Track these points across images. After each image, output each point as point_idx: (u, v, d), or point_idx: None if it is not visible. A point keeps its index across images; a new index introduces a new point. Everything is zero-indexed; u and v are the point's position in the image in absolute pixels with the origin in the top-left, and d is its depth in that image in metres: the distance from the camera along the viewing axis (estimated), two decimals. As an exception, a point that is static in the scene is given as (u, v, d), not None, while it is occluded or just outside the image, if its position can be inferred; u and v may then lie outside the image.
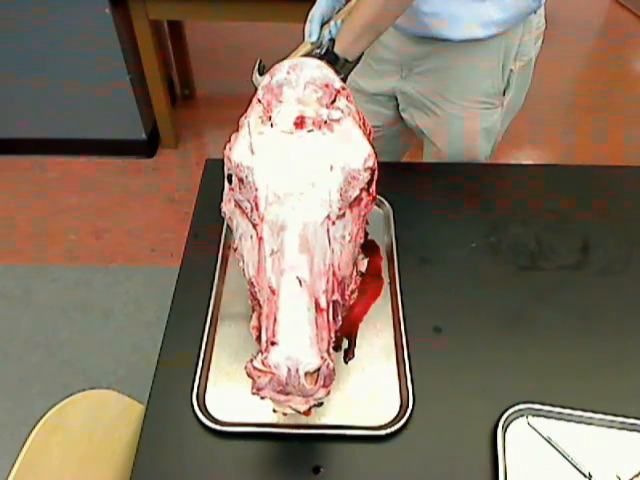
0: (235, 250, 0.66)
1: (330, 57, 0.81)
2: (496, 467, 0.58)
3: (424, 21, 0.90)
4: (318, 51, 0.85)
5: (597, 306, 0.77)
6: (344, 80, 0.83)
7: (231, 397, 0.64)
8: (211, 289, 0.75)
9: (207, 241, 0.83)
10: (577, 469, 0.59)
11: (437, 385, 0.66)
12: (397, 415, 0.63)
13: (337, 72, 0.81)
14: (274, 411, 0.62)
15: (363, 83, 1.12)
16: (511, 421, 0.62)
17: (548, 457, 0.60)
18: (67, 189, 2.13)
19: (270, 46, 2.82)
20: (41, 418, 0.57)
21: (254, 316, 0.63)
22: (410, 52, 0.99)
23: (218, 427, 0.61)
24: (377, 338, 0.71)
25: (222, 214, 0.67)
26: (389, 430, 0.61)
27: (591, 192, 0.97)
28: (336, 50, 0.81)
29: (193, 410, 0.62)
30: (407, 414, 0.62)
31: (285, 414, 0.50)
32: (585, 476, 0.58)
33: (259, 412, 0.62)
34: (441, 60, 0.97)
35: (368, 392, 0.66)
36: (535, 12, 0.93)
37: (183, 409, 0.63)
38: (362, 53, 0.84)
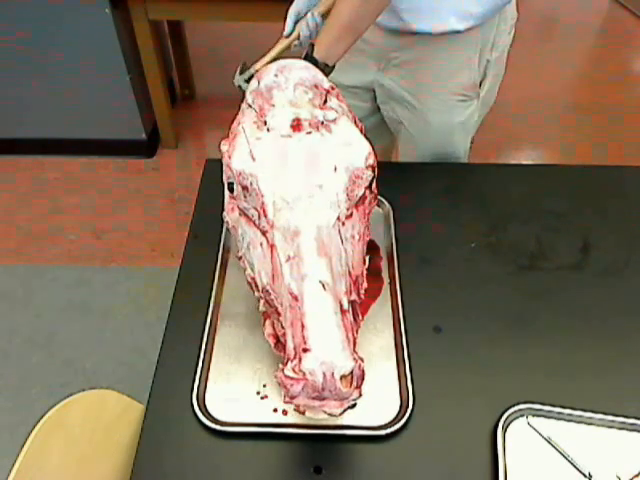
0: (240, 258, 0.65)
1: (310, 61, 0.80)
2: (496, 467, 0.58)
3: (403, 17, 0.91)
4: (297, 43, 0.85)
5: (597, 306, 0.77)
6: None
7: (231, 397, 0.64)
8: (211, 289, 0.75)
9: (207, 241, 0.83)
10: (577, 469, 0.59)
11: (437, 385, 0.66)
12: (397, 415, 0.63)
13: None
14: (274, 411, 0.62)
15: (339, 76, 1.11)
16: (511, 421, 0.62)
17: (548, 457, 0.60)
18: (67, 189, 2.13)
19: (270, 46, 2.82)
20: (41, 418, 0.57)
21: (268, 323, 0.62)
22: (389, 44, 0.98)
23: (218, 427, 0.61)
24: (377, 338, 0.71)
25: (225, 223, 0.66)
26: (389, 430, 0.61)
27: (591, 192, 0.97)
28: (315, 55, 0.80)
29: (193, 410, 0.62)
30: (407, 414, 0.62)
31: (322, 418, 0.49)
32: (585, 476, 0.58)
33: (259, 412, 0.62)
34: (419, 52, 0.97)
35: (368, 392, 0.65)
36: (510, 3, 0.94)
37: (183, 409, 0.63)
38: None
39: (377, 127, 1.19)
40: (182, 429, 0.62)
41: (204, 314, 0.72)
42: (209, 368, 0.67)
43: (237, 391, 0.65)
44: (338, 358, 0.46)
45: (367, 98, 1.13)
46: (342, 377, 0.46)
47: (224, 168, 0.61)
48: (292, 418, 0.62)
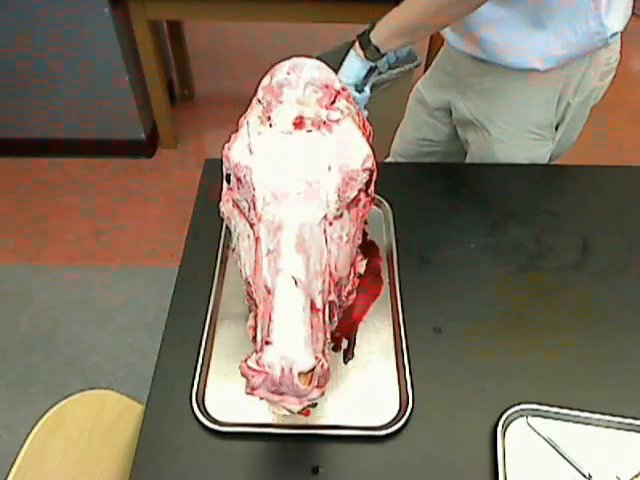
0: (233, 250, 0.66)
1: (364, 40, 0.81)
2: (496, 467, 0.58)
3: (485, 48, 0.91)
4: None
5: (597, 306, 0.77)
6: (373, 69, 0.83)
7: (230, 397, 0.64)
8: (210, 289, 0.75)
9: (207, 241, 0.83)
10: (577, 469, 0.59)
11: (437, 385, 0.66)
12: (397, 415, 0.63)
13: (366, 57, 0.80)
14: (273, 411, 0.62)
15: (426, 94, 1.13)
16: (511, 421, 0.62)
17: (548, 457, 0.60)
18: (67, 189, 2.13)
19: (270, 46, 2.82)
20: (40, 418, 0.57)
21: (251, 316, 0.63)
22: (470, 69, 0.98)
23: (217, 427, 0.61)
24: (376, 338, 0.71)
25: (220, 214, 0.67)
26: (389, 430, 0.60)
27: (591, 192, 0.97)
28: (372, 37, 0.80)
29: (192, 410, 0.62)
30: (407, 414, 0.62)
31: (282, 415, 0.50)
32: (585, 476, 0.58)
33: (259, 412, 0.62)
34: (498, 81, 0.96)
35: (368, 392, 0.65)
36: (604, 48, 0.90)
37: (182, 409, 0.63)
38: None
39: (455, 153, 1.19)
40: (181, 429, 0.62)
41: (204, 314, 0.72)
42: (208, 368, 0.67)
43: (236, 391, 0.64)
44: (299, 354, 0.46)
45: (447, 122, 1.13)
46: (301, 374, 0.46)
47: (223, 159, 0.61)
48: (291, 419, 0.61)
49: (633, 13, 0.93)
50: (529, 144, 1.00)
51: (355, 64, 0.81)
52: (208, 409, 0.63)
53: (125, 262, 1.85)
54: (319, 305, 0.51)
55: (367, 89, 0.85)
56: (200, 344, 0.68)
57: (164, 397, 0.65)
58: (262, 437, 0.61)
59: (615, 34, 0.88)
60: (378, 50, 0.80)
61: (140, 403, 0.72)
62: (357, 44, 0.82)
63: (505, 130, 1.00)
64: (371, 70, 0.83)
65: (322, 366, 0.47)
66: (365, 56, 0.81)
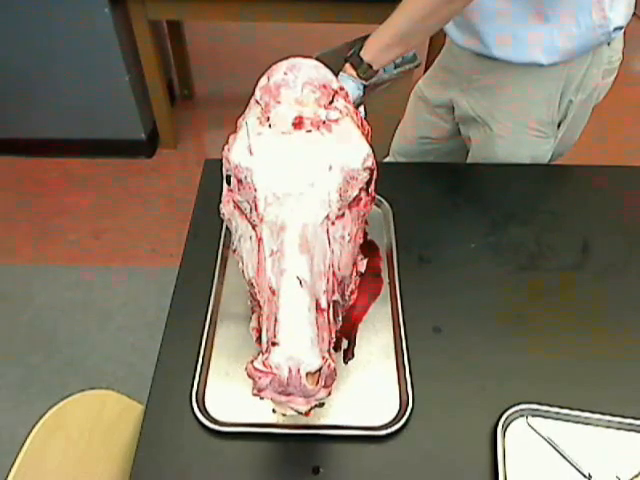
0: (234, 251, 0.66)
1: (355, 60, 0.80)
2: (496, 467, 0.58)
3: (487, 42, 0.90)
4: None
5: (597, 306, 0.77)
6: (367, 87, 0.83)
7: (230, 397, 0.64)
8: (210, 289, 0.75)
9: (207, 241, 0.83)
10: (577, 469, 0.59)
11: (437, 385, 0.66)
12: (397, 415, 0.63)
13: (359, 76, 0.80)
14: (274, 411, 0.62)
15: (428, 92, 1.13)
16: (511, 421, 0.62)
17: (548, 457, 0.60)
18: (67, 189, 2.13)
19: (270, 46, 2.82)
20: (40, 418, 0.57)
21: (254, 317, 0.63)
22: (472, 66, 0.98)
23: (217, 427, 0.61)
24: (376, 338, 0.71)
25: (221, 215, 0.66)
26: (389, 430, 0.60)
27: (591, 192, 0.97)
28: (363, 55, 0.80)
29: (192, 410, 0.62)
30: (407, 414, 0.62)
31: (284, 414, 0.50)
32: (585, 476, 0.58)
33: (259, 412, 0.62)
34: (499, 77, 0.95)
35: (368, 392, 0.65)
36: (608, 44, 0.90)
37: (182, 409, 0.63)
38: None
39: (455, 152, 1.18)
40: (181, 429, 0.62)
41: (204, 314, 0.72)
42: (208, 368, 0.67)
43: (236, 391, 0.65)
44: (306, 355, 0.46)
45: (449, 119, 1.13)
46: (308, 374, 0.46)
47: (223, 160, 0.61)
48: (291, 419, 0.62)
49: (634, 13, 0.93)
50: (531, 141, 1.00)
51: (349, 85, 0.81)
52: (208, 409, 0.63)
53: (125, 262, 1.85)
54: (324, 305, 0.51)
55: (362, 109, 0.85)
56: (200, 344, 0.68)
57: (164, 397, 0.65)
58: (262, 437, 0.61)
59: (618, 29, 0.88)
60: (371, 67, 0.80)
61: (140, 403, 0.72)
62: (347, 66, 0.81)
63: (507, 126, 1.00)
64: (365, 89, 0.83)
65: (329, 366, 0.47)
66: (358, 75, 0.81)
